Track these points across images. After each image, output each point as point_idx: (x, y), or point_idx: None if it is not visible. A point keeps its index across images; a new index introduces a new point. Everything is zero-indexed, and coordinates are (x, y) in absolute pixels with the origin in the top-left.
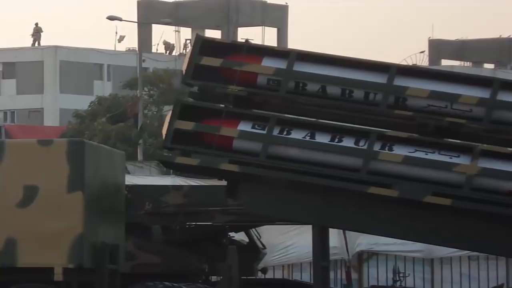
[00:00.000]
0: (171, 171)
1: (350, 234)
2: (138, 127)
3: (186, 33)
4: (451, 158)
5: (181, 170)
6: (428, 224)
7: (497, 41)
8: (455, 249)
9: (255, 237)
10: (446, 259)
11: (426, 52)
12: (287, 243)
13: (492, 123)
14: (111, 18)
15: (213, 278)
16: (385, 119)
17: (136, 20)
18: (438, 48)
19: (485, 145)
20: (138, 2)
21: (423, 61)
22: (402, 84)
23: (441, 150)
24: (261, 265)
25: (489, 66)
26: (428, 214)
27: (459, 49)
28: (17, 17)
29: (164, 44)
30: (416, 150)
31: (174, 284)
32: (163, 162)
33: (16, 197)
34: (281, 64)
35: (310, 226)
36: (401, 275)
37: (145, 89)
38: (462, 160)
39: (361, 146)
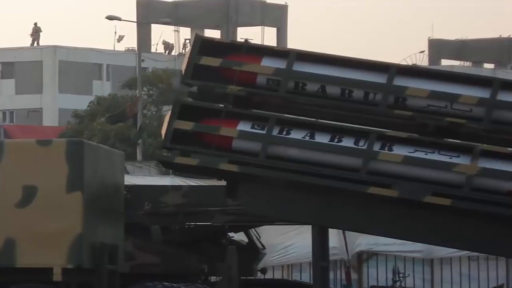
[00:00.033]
0: (170, 171)
1: (350, 234)
2: (137, 127)
3: (186, 33)
4: (451, 158)
5: (181, 170)
6: (428, 224)
7: (497, 41)
8: (455, 249)
9: (254, 237)
10: (446, 259)
11: (426, 52)
12: (286, 243)
13: (492, 123)
14: (110, 18)
15: (213, 279)
16: (385, 119)
17: (135, 20)
18: (438, 48)
19: (485, 145)
20: (137, 2)
21: (423, 61)
22: (402, 84)
23: (441, 150)
24: (260, 265)
25: (489, 66)
26: (428, 214)
27: (459, 49)
28: (16, 17)
29: (163, 44)
30: (416, 150)
31: (173, 285)
32: (162, 162)
33: (15, 197)
34: (281, 64)
35: (309, 226)
36: (401, 275)
37: (144, 89)
38: (462, 160)
39: (361, 146)
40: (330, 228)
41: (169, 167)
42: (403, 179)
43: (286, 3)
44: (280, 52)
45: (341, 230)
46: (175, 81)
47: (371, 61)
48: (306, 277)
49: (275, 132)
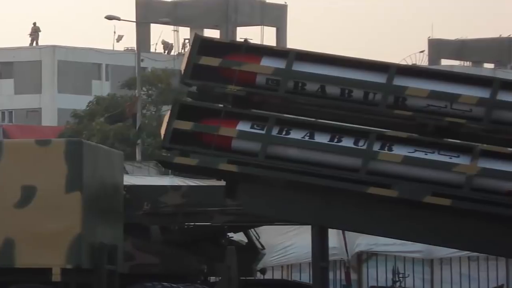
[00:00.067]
0: (170, 171)
1: (350, 235)
2: (137, 127)
3: (185, 32)
4: (450, 158)
5: (180, 170)
6: (427, 224)
7: (497, 41)
8: (455, 250)
9: (254, 238)
10: (446, 259)
11: (426, 52)
12: (286, 243)
13: (492, 123)
14: (109, 17)
15: (212, 279)
16: (385, 119)
17: (135, 20)
18: (437, 47)
19: (485, 145)
20: (136, 2)
21: (422, 60)
22: (402, 84)
23: (441, 150)
24: (260, 265)
25: (489, 65)
26: (428, 214)
27: (459, 48)
28: (15, 16)
29: (162, 43)
30: (416, 150)
31: (173, 285)
32: (162, 162)
33: (14, 197)
34: (280, 64)
35: (309, 227)
36: (400, 275)
37: (144, 89)
38: (462, 160)
39: (361, 146)
40: (330, 228)
41: (168, 167)
42: (403, 179)
43: (285, 2)
44: (279, 52)
45: (340, 230)
46: (175, 81)
47: (370, 61)
48: (305, 277)
49: (274, 132)
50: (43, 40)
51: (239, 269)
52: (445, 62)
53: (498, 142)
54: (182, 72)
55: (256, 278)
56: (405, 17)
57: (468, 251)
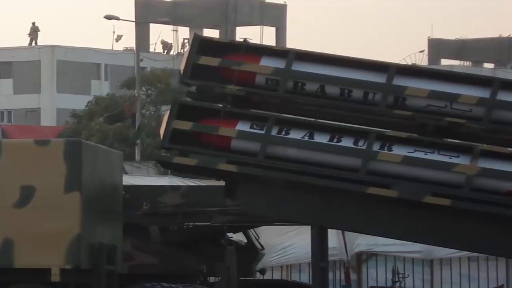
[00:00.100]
0: (169, 171)
1: (349, 235)
2: (136, 127)
3: (184, 32)
4: (450, 158)
5: (179, 170)
6: (427, 224)
7: (497, 41)
8: (455, 250)
9: (253, 238)
10: (446, 259)
11: (426, 52)
12: (285, 243)
13: (492, 123)
14: (108, 17)
15: (211, 279)
16: (384, 119)
17: (134, 19)
18: (437, 47)
19: (484, 145)
20: (135, 1)
21: (422, 60)
22: (402, 83)
23: (441, 150)
24: (259, 266)
25: (489, 65)
26: (428, 214)
27: (459, 48)
28: (14, 16)
29: (162, 43)
30: (416, 150)
31: (172, 285)
32: (161, 162)
33: (13, 197)
34: (280, 64)
35: (309, 227)
36: (400, 276)
37: (143, 88)
38: (462, 160)
39: (360, 146)
40: (329, 228)
41: (167, 167)
42: (402, 179)
43: (285, 2)
44: (279, 51)
45: (340, 231)
46: (174, 81)
47: (370, 61)
48: (305, 277)
49: (274, 132)
50: (42, 40)
51: (239, 269)
52: (445, 62)
53: (498, 142)
54: (182, 72)
55: (256, 278)
56: (405, 17)
57: (468, 251)
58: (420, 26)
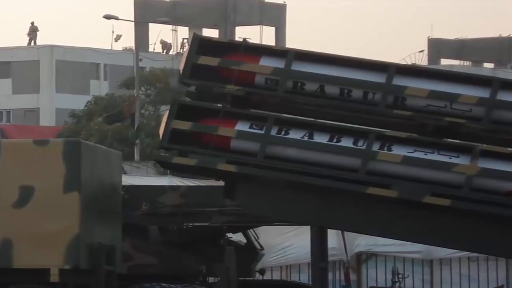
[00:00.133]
0: (168, 171)
1: (349, 235)
2: (135, 127)
3: (183, 32)
4: (450, 158)
5: (178, 171)
6: (427, 224)
7: (497, 40)
8: (455, 250)
9: (253, 238)
10: (446, 260)
11: (426, 52)
12: (285, 244)
13: (492, 123)
14: (107, 17)
15: (211, 279)
16: (384, 119)
17: (133, 19)
18: (437, 47)
19: (484, 145)
20: (134, 1)
21: (422, 60)
22: (401, 83)
23: (441, 150)
24: (259, 266)
25: (488, 65)
26: (427, 214)
27: (459, 48)
28: (13, 16)
29: (161, 43)
30: (415, 150)
31: (171, 286)
32: (160, 162)
33: (12, 197)
34: (279, 64)
35: (308, 227)
36: (400, 276)
37: (142, 88)
38: (462, 160)
39: (360, 146)
40: (329, 228)
41: (167, 167)
42: (402, 179)
43: (284, 2)
44: (278, 51)
45: (340, 231)
46: (173, 81)
47: (370, 61)
48: (304, 278)
49: (273, 132)
50: (41, 40)
51: (238, 269)
52: (444, 62)
53: (498, 142)
54: (181, 71)
55: (255, 278)
56: (405, 17)
57: (468, 251)
58: (420, 26)
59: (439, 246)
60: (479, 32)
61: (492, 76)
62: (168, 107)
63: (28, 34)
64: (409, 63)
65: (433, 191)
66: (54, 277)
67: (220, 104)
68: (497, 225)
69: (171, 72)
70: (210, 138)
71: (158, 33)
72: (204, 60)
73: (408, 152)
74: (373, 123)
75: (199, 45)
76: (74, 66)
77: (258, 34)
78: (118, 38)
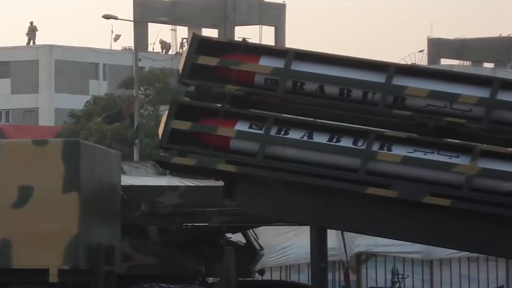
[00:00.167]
0: (168, 171)
1: (349, 235)
2: (134, 127)
3: (183, 32)
4: (450, 158)
5: (178, 171)
6: (427, 225)
7: (497, 40)
8: (455, 250)
9: (252, 238)
10: (446, 260)
11: (425, 51)
12: (284, 244)
13: (492, 123)
14: (106, 16)
15: (210, 280)
16: (384, 119)
17: (132, 19)
18: (437, 47)
19: (484, 145)
20: (134, 1)
21: (422, 60)
22: (401, 83)
23: (440, 150)
24: (258, 266)
25: (488, 65)
26: (427, 214)
27: (459, 48)
28: (11, 16)
29: (160, 43)
30: (415, 150)
31: (171, 286)
32: (159, 162)
33: (10, 197)
34: (279, 64)
35: (308, 227)
36: (400, 276)
37: (141, 88)
38: (462, 160)
39: (360, 146)
40: (329, 228)
41: (166, 167)
42: (402, 179)
43: (284, 2)
44: (278, 51)
45: (339, 231)
46: (172, 81)
47: (370, 61)
48: (304, 278)
49: (273, 132)
50: (40, 40)
51: (237, 270)
52: (444, 62)
53: (498, 142)
54: (180, 71)
55: (255, 279)
56: (405, 17)
57: (468, 251)
58: (420, 26)
59: (439, 246)
60: (479, 32)
61: (492, 76)
62: (167, 107)
63: (27, 34)
64: (409, 63)
65: (433, 191)
66: (53, 277)
67: (219, 104)
68: (497, 225)
69: (170, 72)
70: (209, 138)
71: (157, 33)
72: (204, 60)
73: (408, 152)
74: (372, 123)
75: (199, 45)
76: (73, 66)
77: (257, 34)
78: (117, 38)
